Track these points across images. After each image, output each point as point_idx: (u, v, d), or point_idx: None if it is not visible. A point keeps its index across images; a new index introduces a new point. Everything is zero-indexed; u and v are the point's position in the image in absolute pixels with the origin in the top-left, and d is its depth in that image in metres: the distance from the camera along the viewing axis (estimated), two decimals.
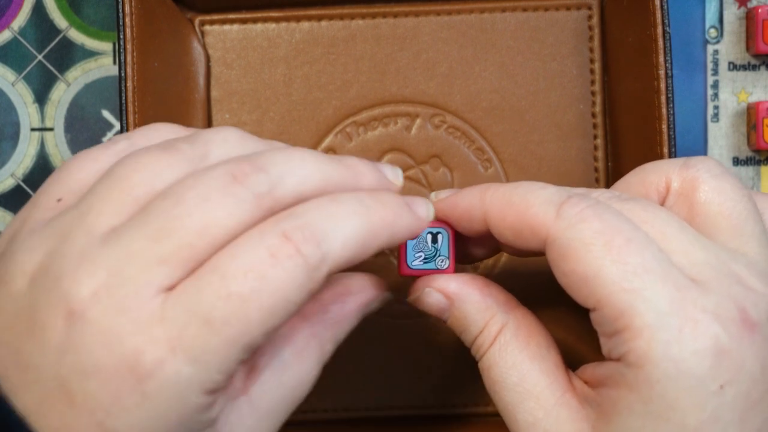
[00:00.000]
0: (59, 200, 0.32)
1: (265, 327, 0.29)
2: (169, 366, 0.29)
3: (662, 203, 0.34)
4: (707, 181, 0.33)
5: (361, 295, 0.36)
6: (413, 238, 0.36)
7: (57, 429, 0.29)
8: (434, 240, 0.36)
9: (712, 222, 0.32)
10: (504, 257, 0.44)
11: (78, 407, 0.29)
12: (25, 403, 0.30)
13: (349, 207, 0.31)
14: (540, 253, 0.33)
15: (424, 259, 0.36)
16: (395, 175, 0.36)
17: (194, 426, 0.30)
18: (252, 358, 0.33)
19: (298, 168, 0.32)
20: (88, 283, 0.29)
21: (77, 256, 0.30)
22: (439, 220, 0.36)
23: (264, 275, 0.29)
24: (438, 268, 0.36)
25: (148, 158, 0.31)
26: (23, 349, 0.30)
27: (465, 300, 0.35)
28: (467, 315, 0.35)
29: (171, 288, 0.30)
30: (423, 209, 0.35)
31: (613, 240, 0.30)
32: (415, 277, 0.36)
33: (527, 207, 0.32)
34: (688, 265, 0.31)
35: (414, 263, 0.36)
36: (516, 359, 0.34)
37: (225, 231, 0.30)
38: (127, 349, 0.29)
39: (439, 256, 0.36)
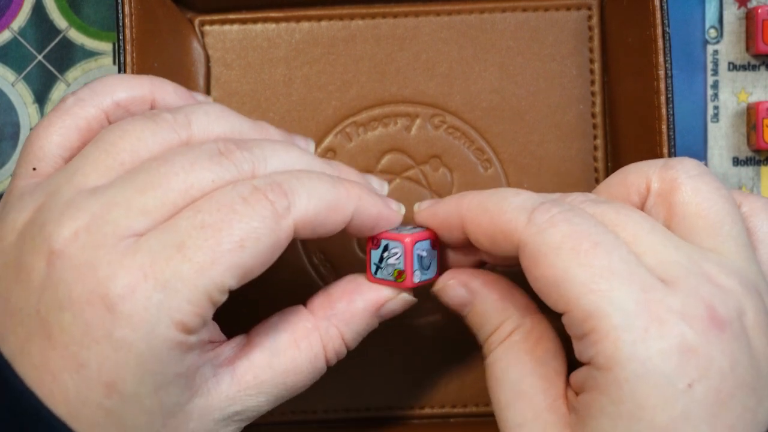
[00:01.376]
0: (34, 169, 0.35)
1: (235, 261, 0.31)
2: (139, 292, 0.30)
3: (643, 204, 0.34)
4: (685, 182, 0.33)
5: (371, 294, 0.36)
6: (379, 230, 0.36)
7: (37, 366, 0.31)
8: (387, 250, 0.36)
9: (690, 222, 0.33)
10: None
11: (54, 341, 0.31)
12: (11, 346, 0.31)
13: (320, 176, 0.34)
14: (518, 262, 0.33)
15: (383, 269, 0.36)
16: (381, 187, 0.38)
17: (166, 372, 0.31)
18: (249, 333, 0.35)
19: (283, 154, 0.34)
20: (70, 225, 0.31)
21: (63, 206, 0.32)
22: (427, 232, 0.37)
23: (235, 210, 0.31)
24: (395, 281, 0.36)
25: (133, 126, 0.34)
26: (11, 295, 0.31)
27: (486, 298, 0.36)
28: (485, 312, 0.36)
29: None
30: (394, 203, 0.36)
31: (580, 244, 0.31)
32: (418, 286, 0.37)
33: (501, 213, 0.33)
34: (657, 265, 0.31)
35: (377, 273, 0.36)
36: (520, 359, 0.34)
37: (204, 195, 0.32)
38: (99, 278, 0.30)
39: (395, 268, 0.36)
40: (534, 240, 0.31)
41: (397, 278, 0.36)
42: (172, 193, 0.32)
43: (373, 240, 0.36)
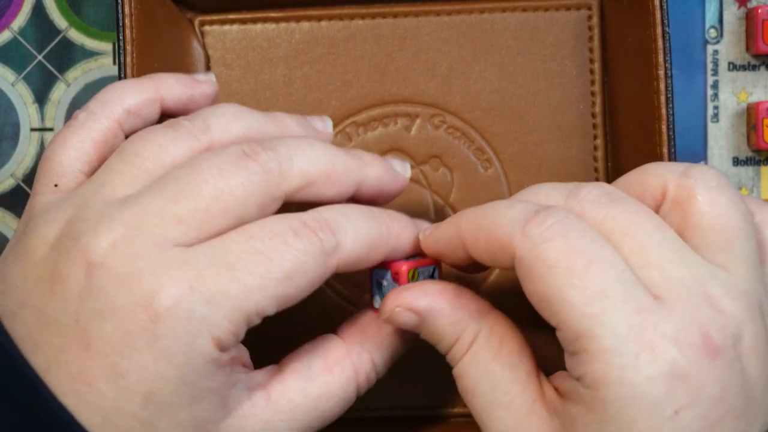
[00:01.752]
0: (56, 185, 0.35)
1: (281, 291, 0.31)
2: (184, 303, 0.30)
3: (658, 208, 0.33)
4: (702, 192, 0.32)
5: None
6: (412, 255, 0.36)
7: (74, 376, 0.31)
8: (431, 277, 0.36)
9: (702, 235, 0.32)
10: None
11: (93, 350, 0.30)
12: (45, 356, 0.31)
13: (363, 213, 0.34)
14: None
15: None
16: (404, 168, 0.38)
17: (201, 385, 0.31)
18: (281, 362, 0.35)
19: (307, 150, 0.34)
20: (107, 236, 0.31)
21: (96, 217, 0.32)
22: (429, 259, 0.36)
23: (287, 242, 0.32)
24: None
25: (154, 135, 0.34)
26: (46, 306, 0.31)
27: (436, 315, 0.34)
28: (439, 330, 0.34)
29: (188, 246, 0.31)
30: (426, 225, 0.37)
31: (574, 263, 0.30)
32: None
33: (495, 228, 0.32)
34: (660, 281, 0.30)
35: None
36: (488, 368, 0.34)
37: (236, 199, 0.32)
38: (144, 288, 0.30)
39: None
40: (528, 255, 0.31)
41: None
42: (203, 201, 0.32)
43: (413, 274, 0.36)
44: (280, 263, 0.31)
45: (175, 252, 0.31)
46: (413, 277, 0.36)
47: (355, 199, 0.36)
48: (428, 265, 0.36)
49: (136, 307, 0.30)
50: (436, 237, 0.35)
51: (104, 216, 0.32)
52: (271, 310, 0.32)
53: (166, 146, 0.34)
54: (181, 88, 0.38)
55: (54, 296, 0.31)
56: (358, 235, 0.33)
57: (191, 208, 0.32)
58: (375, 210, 0.35)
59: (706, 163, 0.47)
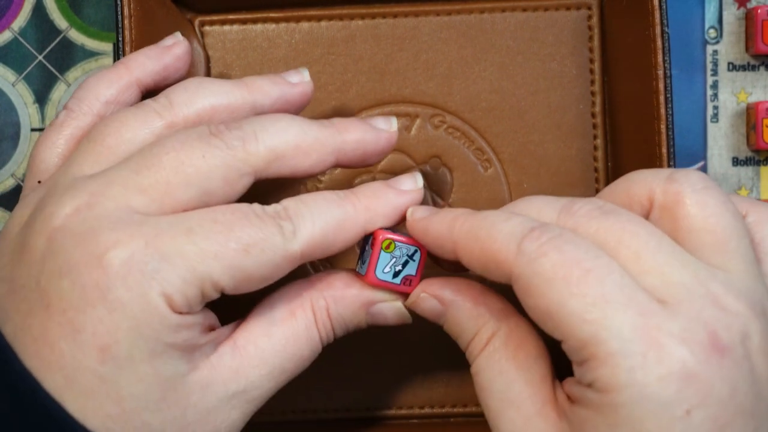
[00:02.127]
0: (39, 182, 0.36)
1: (237, 263, 0.32)
2: (137, 256, 0.31)
3: (647, 216, 0.33)
4: (690, 195, 0.32)
5: (368, 288, 0.36)
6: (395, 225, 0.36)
7: (36, 339, 0.31)
8: (410, 258, 0.36)
9: (696, 237, 0.32)
10: None
11: (52, 309, 0.31)
12: (13, 324, 0.32)
13: (325, 196, 0.35)
14: None
15: (393, 274, 0.36)
16: (388, 124, 0.38)
17: (159, 340, 0.31)
18: (247, 315, 0.35)
19: (272, 124, 0.34)
20: (71, 203, 0.32)
21: (62, 190, 0.33)
22: (414, 239, 0.36)
23: (248, 217, 0.32)
24: (403, 286, 0.36)
25: (118, 114, 0.35)
26: (14, 275, 0.32)
27: (459, 307, 0.35)
28: (460, 322, 0.35)
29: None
30: (409, 182, 0.37)
31: (571, 272, 0.30)
32: (380, 287, 0.36)
33: (492, 242, 0.32)
34: (660, 286, 0.30)
35: (382, 275, 0.36)
36: (503, 367, 0.34)
37: (198, 171, 0.33)
38: (100, 242, 0.31)
39: (407, 275, 0.36)
40: (525, 271, 0.31)
41: (406, 284, 0.36)
42: (164, 171, 0.33)
43: (388, 245, 0.36)
44: (239, 235, 0.32)
45: (136, 216, 0.32)
46: (388, 248, 0.36)
47: (341, 165, 0.37)
48: (410, 244, 0.36)
49: (91, 261, 0.31)
50: (426, 228, 0.35)
51: (70, 188, 0.33)
52: (227, 283, 0.32)
53: (127, 121, 0.35)
54: (152, 63, 0.38)
55: (21, 264, 0.32)
56: (318, 219, 0.34)
57: (153, 179, 0.32)
58: (341, 192, 0.35)
59: (705, 163, 0.47)
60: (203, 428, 0.33)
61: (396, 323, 0.37)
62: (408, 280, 0.36)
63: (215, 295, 0.32)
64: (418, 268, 0.36)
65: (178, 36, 0.40)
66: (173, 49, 0.39)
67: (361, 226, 0.35)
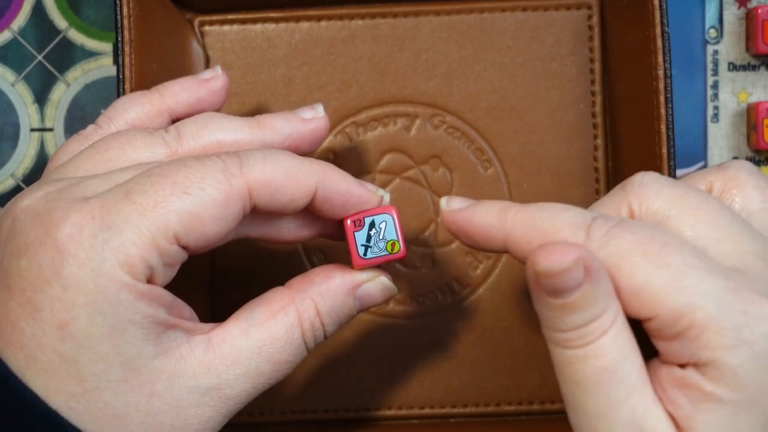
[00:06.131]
0: None
1: (179, 206, 0.32)
2: (86, 231, 0.31)
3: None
4: (747, 179, 0.33)
5: (349, 273, 0.36)
6: (352, 209, 0.35)
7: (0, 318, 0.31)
8: (384, 226, 0.36)
9: (755, 219, 0.33)
10: (504, 257, 0.44)
11: (13, 289, 0.31)
12: None
13: (282, 151, 0.35)
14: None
15: (376, 248, 0.36)
16: (314, 112, 0.38)
17: (118, 316, 0.31)
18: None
19: (210, 123, 0.36)
20: (45, 189, 0.33)
21: (44, 182, 0.33)
22: (385, 207, 0.36)
23: (185, 164, 0.32)
24: (390, 253, 0.36)
25: (128, 132, 0.36)
26: None
27: (601, 279, 0.30)
28: (597, 297, 0.30)
29: None
30: (371, 185, 0.36)
31: (650, 247, 0.30)
32: (369, 266, 0.36)
33: (555, 231, 0.31)
34: (734, 253, 0.31)
35: (365, 253, 0.36)
36: (627, 350, 0.31)
37: (137, 154, 0.34)
38: (53, 219, 0.31)
39: (389, 240, 0.36)
40: (599, 255, 0.30)
41: (392, 250, 0.36)
42: (112, 151, 0.34)
43: (355, 222, 0.36)
44: (174, 180, 0.32)
45: (95, 197, 0.32)
46: (358, 226, 0.35)
47: None
48: (376, 213, 0.35)
49: (45, 239, 0.31)
50: (471, 219, 0.34)
51: (54, 181, 0.33)
52: (177, 229, 0.31)
53: (135, 141, 0.35)
54: (186, 94, 0.38)
55: None
56: (269, 160, 0.33)
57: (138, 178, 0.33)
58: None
59: (705, 163, 0.47)
60: (172, 420, 0.32)
61: (384, 299, 0.36)
62: (392, 245, 0.36)
63: (178, 251, 0.32)
64: (396, 231, 0.36)
65: (217, 70, 0.40)
66: (210, 83, 0.39)
67: (314, 185, 0.34)
